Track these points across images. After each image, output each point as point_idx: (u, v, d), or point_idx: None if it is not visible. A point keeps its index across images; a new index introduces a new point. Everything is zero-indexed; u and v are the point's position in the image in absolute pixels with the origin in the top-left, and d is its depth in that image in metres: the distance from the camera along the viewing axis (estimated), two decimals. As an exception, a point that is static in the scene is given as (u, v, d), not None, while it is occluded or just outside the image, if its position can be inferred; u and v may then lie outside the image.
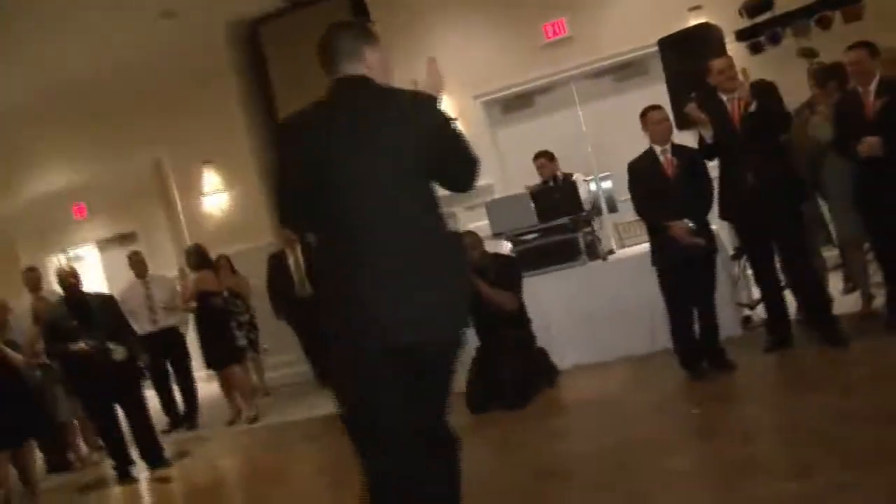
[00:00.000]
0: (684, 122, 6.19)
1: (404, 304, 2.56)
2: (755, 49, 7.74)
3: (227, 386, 8.03)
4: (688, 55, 6.60)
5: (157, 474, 6.48)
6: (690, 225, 5.36)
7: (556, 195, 6.72)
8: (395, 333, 2.57)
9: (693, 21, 7.99)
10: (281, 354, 9.25)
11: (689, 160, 5.53)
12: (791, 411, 4.41)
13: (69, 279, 6.63)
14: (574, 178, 7.35)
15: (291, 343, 8.71)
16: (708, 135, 5.44)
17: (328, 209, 2.62)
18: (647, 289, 6.06)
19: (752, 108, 5.25)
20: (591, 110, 8.96)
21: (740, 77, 5.37)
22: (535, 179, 7.68)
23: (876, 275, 5.90)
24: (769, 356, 5.48)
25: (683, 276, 5.43)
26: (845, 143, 5.28)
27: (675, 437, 4.44)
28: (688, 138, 6.18)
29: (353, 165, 2.59)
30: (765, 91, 5.32)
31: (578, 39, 8.67)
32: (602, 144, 8.76)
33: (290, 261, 8.45)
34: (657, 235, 5.55)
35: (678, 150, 5.58)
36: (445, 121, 2.74)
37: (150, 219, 10.98)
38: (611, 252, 6.95)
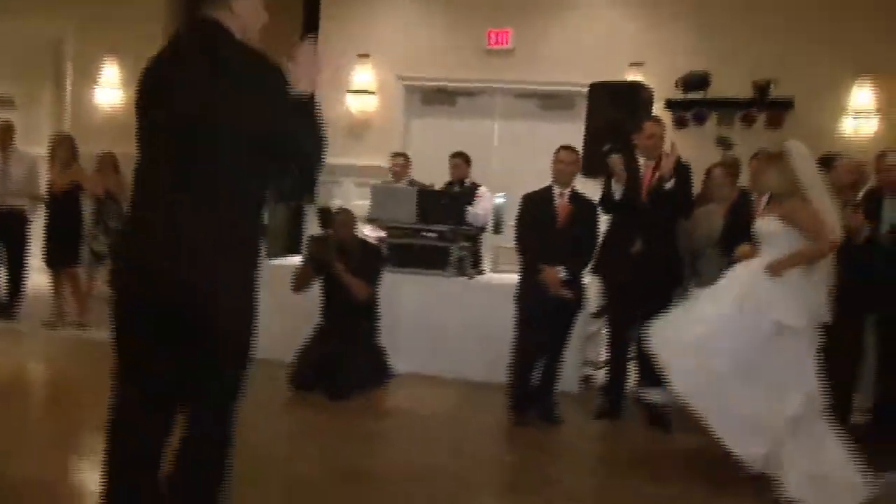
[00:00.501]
0: (591, 171, 6.08)
1: (168, 260, 2.40)
2: (680, 123, 7.78)
3: (59, 287, 7.44)
4: (614, 106, 6.49)
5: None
6: (563, 274, 5.24)
7: (443, 201, 6.51)
8: (150, 286, 2.43)
9: (630, 75, 7.96)
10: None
11: (585, 210, 5.42)
12: (597, 486, 4.33)
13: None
14: (481, 190, 7.18)
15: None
16: (618, 191, 5.32)
17: (143, 150, 2.53)
18: (502, 320, 5.94)
19: (669, 185, 5.19)
20: (507, 128, 8.82)
21: (667, 149, 5.30)
22: (433, 177, 7.47)
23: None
24: (596, 421, 5.42)
25: (541, 320, 5.31)
26: (729, 243, 5.27)
27: (479, 478, 4.27)
28: (589, 187, 6.07)
29: (171, 116, 2.43)
30: (682, 173, 5.27)
31: (518, 55, 8.54)
32: (507, 164, 8.62)
33: None
34: (528, 273, 5.40)
35: (577, 197, 5.46)
36: (285, 94, 2.46)
37: (35, 91, 10.13)
38: (480, 272, 6.78)
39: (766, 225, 4.45)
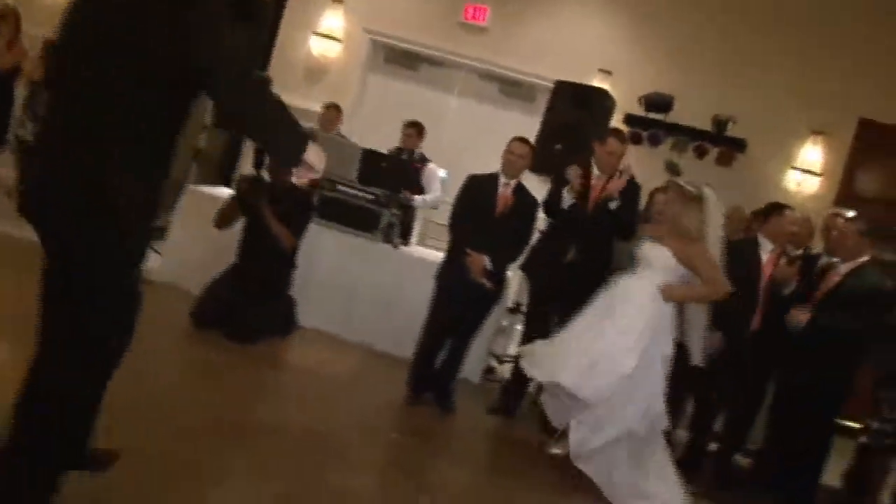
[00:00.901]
0: (540, 168, 5.99)
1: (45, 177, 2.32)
2: (635, 140, 7.76)
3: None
4: (575, 108, 6.42)
5: None
6: (488, 263, 5.15)
7: (384, 164, 6.33)
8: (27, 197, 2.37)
9: (597, 81, 7.91)
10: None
11: (525, 206, 5.33)
12: (471, 482, 4.26)
13: None
14: (430, 166, 7.04)
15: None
16: (568, 199, 5.24)
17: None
18: (418, 295, 5.86)
19: (613, 205, 5.15)
20: (464, 106, 8.68)
21: (622, 167, 5.25)
22: (379, 138, 7.29)
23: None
24: (489, 416, 5.36)
25: (456, 305, 5.21)
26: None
27: (359, 451, 4.15)
28: (534, 183, 5.97)
29: (93, 45, 2.27)
30: (631, 194, 5.24)
31: (491, 35, 8.38)
32: (456, 140, 8.49)
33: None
34: (454, 254, 5.30)
35: (521, 191, 5.36)
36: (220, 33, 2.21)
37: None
38: (405, 243, 6.65)
39: (659, 254, 4.49)
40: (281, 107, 2.33)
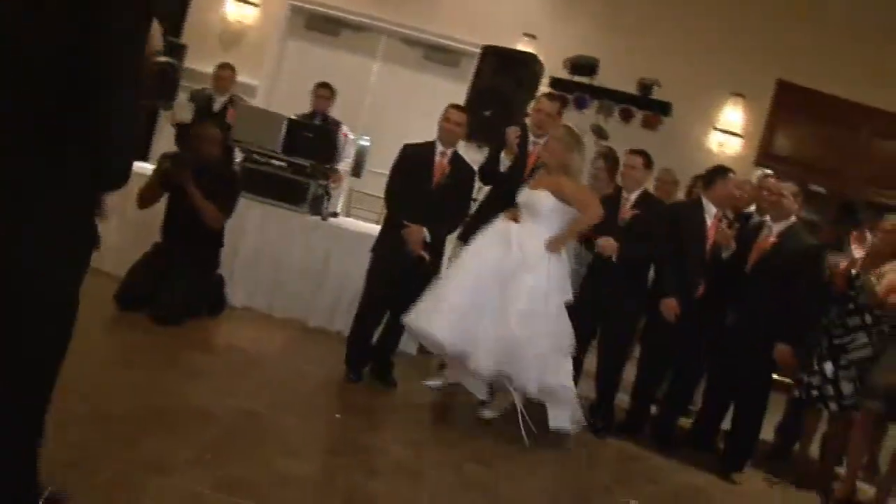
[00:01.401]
0: (470, 135, 5.87)
1: None
2: (561, 104, 7.68)
3: None
4: (503, 74, 6.33)
5: None
6: (426, 236, 5.04)
7: (311, 134, 6.13)
8: None
9: (521, 45, 7.82)
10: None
11: (463, 175, 5.21)
12: (415, 457, 4.18)
13: None
14: (343, 129, 6.82)
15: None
16: (505, 163, 5.16)
17: None
18: (350, 269, 5.74)
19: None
20: (387, 71, 8.50)
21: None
22: (298, 105, 7.07)
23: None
24: (428, 388, 5.29)
25: (392, 276, 5.09)
26: (590, 238, 5.27)
27: (296, 433, 3.99)
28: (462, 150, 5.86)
29: None
30: None
31: (416, 0, 8.19)
32: (379, 107, 8.32)
33: None
34: (391, 226, 5.16)
35: (458, 160, 5.23)
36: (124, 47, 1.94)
37: None
38: (334, 214, 6.47)
39: (540, 199, 4.67)
40: None
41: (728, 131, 8.23)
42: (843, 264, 5.07)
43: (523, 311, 4.45)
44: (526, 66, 6.44)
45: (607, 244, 5.10)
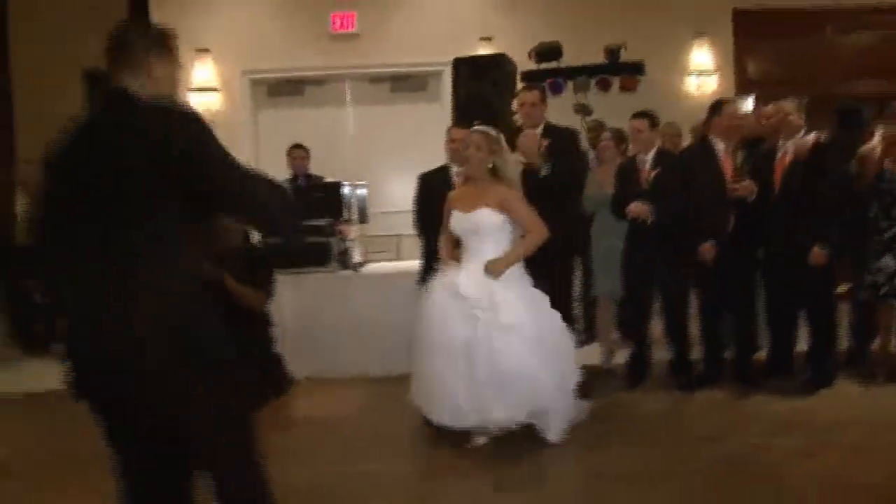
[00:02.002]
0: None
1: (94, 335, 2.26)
2: (541, 91, 7.75)
3: None
4: (478, 81, 6.39)
5: None
6: None
7: (318, 194, 6.19)
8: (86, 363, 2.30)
9: (482, 51, 7.92)
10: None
11: None
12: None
13: None
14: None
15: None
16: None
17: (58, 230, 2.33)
18: (393, 308, 5.79)
19: (544, 172, 5.07)
20: (361, 113, 8.57)
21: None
22: (279, 172, 7.10)
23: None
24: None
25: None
26: (620, 206, 5.34)
27: (407, 474, 4.03)
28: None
29: (87, 192, 2.26)
30: (565, 143, 5.22)
31: (364, 39, 8.32)
32: (364, 151, 8.37)
33: (20, 205, 7.51)
34: (431, 255, 5.20)
35: None
36: (214, 149, 2.28)
37: None
38: (361, 264, 6.51)
39: (484, 218, 4.37)
40: None
41: (701, 72, 8.33)
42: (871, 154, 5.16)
43: (519, 354, 4.17)
44: (498, 66, 6.50)
45: (639, 209, 5.17)
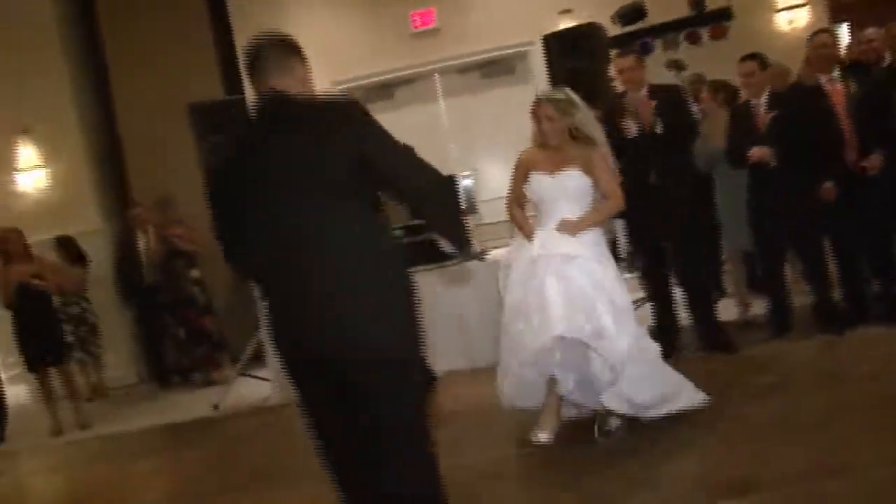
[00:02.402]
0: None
1: (329, 321, 2.48)
2: (636, 54, 7.74)
3: (47, 389, 6.99)
4: (575, 54, 6.43)
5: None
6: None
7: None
8: (319, 347, 2.51)
9: (563, 24, 7.93)
10: (119, 352, 8.45)
11: None
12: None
13: None
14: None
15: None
16: (633, 127, 5.22)
17: (261, 234, 2.57)
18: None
19: (658, 129, 5.13)
20: (454, 106, 8.68)
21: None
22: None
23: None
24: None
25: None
26: (738, 154, 5.31)
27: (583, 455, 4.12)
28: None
29: (282, 189, 2.51)
30: (673, 101, 5.25)
31: (446, 32, 8.39)
32: (463, 142, 8.50)
33: (142, 244, 8.01)
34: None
35: None
36: (379, 134, 2.58)
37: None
38: (483, 252, 6.63)
39: (572, 179, 4.21)
40: None
41: (791, 6, 8.15)
42: None
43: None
44: (590, 37, 6.53)
45: (761, 152, 5.14)
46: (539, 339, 3.93)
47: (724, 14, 7.69)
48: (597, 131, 4.35)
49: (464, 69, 8.63)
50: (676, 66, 7.62)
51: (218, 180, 2.65)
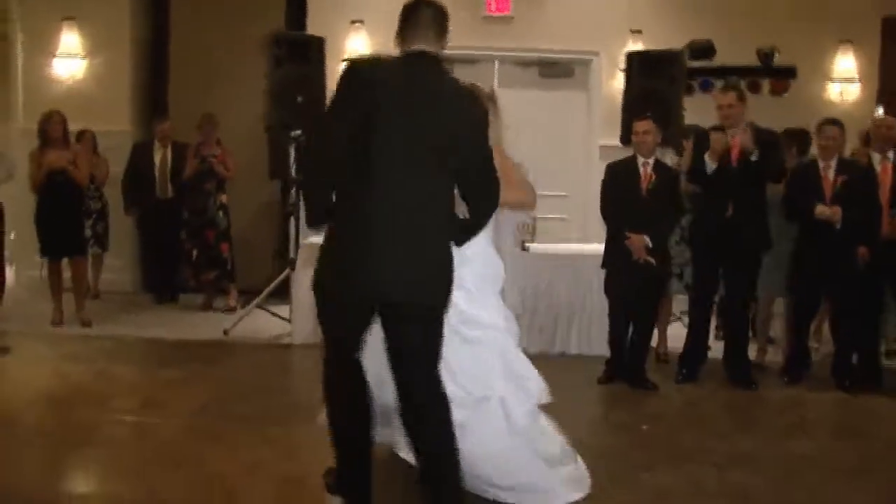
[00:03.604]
0: (628, 140, 6.33)
1: (400, 267, 2.86)
2: (686, 90, 8.07)
3: (56, 279, 7.03)
4: (653, 76, 6.73)
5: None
6: (647, 241, 5.49)
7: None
8: (388, 289, 2.88)
9: (631, 42, 8.26)
10: (116, 258, 8.49)
11: (668, 180, 5.68)
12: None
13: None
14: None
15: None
16: (711, 164, 5.54)
17: (363, 162, 2.85)
18: (566, 291, 6.22)
19: (754, 157, 5.45)
20: (507, 96, 8.79)
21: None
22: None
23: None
24: (682, 385, 5.74)
25: (629, 287, 5.60)
26: (800, 208, 5.66)
27: (642, 453, 4.36)
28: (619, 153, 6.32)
29: (400, 136, 2.85)
30: (770, 142, 5.56)
31: (518, 23, 8.63)
32: (510, 134, 8.70)
33: (158, 157, 8.09)
34: (614, 241, 5.67)
35: (660, 166, 5.73)
36: (483, 138, 3.03)
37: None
38: (526, 245, 6.88)
39: None
40: None
41: (844, 79, 8.58)
42: None
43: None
44: (671, 62, 6.84)
45: (832, 212, 5.53)
46: None
47: (790, 72, 8.08)
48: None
49: (525, 63, 8.84)
50: (731, 108, 7.96)
51: (359, 99, 2.89)
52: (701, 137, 5.71)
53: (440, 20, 3.01)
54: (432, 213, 2.91)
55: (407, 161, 2.85)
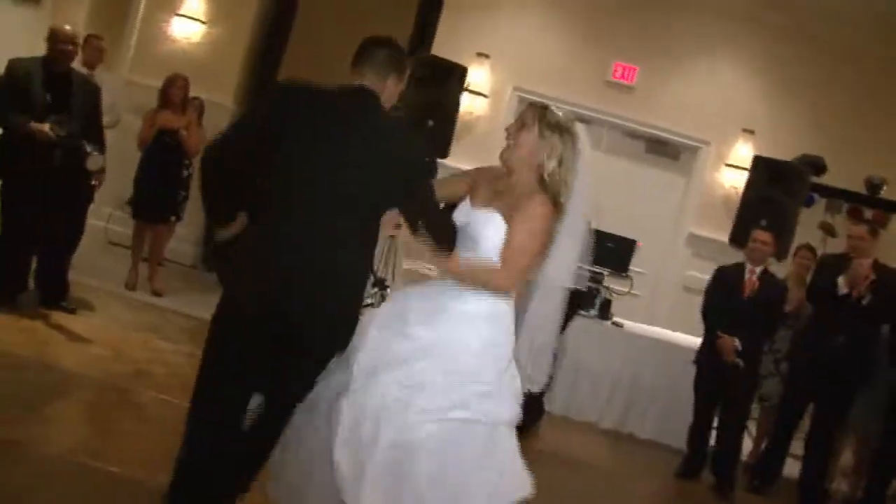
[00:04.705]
0: (739, 241, 6.61)
1: (302, 293, 2.85)
2: (870, 227, 8.13)
3: (139, 242, 7.12)
4: (776, 184, 6.86)
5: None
6: (737, 344, 5.71)
7: (612, 245, 6.69)
8: (293, 308, 2.86)
9: (740, 141, 8.46)
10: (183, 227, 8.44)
11: (773, 291, 5.92)
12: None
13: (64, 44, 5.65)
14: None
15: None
16: (843, 287, 5.68)
17: (280, 185, 2.90)
18: (650, 375, 6.35)
19: (865, 301, 5.61)
20: (610, 163, 8.97)
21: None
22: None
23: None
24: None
25: (717, 387, 5.85)
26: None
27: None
28: (730, 255, 6.58)
29: (325, 168, 2.85)
30: (891, 282, 5.70)
31: (638, 94, 8.83)
32: (603, 200, 8.83)
33: None
34: (708, 339, 5.95)
35: (767, 276, 5.95)
36: (424, 180, 3.09)
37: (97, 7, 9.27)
38: (620, 322, 7.00)
39: (488, 223, 3.05)
40: None
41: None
42: None
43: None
44: (796, 176, 7.00)
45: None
46: None
47: (893, 206, 8.24)
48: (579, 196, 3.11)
49: (635, 135, 9.01)
50: (828, 229, 8.15)
51: (270, 117, 2.91)
52: (829, 259, 5.88)
53: (394, 62, 3.04)
54: (341, 249, 2.89)
55: (318, 193, 2.86)
